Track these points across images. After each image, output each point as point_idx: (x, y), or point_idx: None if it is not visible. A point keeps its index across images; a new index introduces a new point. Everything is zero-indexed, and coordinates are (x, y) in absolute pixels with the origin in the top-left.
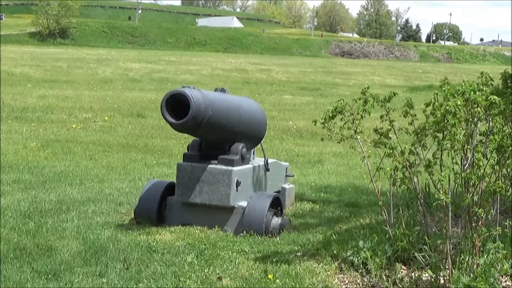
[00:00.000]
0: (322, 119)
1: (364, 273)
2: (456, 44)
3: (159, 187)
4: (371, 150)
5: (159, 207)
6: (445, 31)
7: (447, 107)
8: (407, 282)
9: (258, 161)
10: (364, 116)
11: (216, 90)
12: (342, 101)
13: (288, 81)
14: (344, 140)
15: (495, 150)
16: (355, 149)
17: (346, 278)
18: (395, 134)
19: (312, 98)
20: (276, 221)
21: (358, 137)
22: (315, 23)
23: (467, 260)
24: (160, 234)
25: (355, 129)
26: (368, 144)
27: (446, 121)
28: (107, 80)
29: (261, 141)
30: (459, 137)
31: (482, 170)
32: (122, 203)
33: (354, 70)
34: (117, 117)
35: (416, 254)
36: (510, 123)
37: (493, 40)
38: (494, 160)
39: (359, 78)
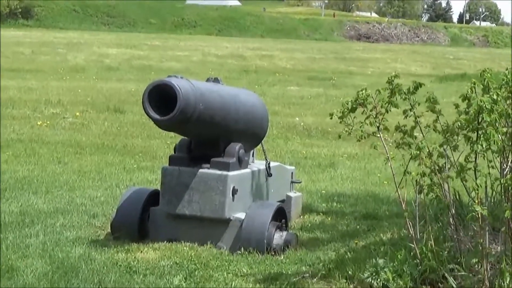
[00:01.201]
0: (340, 113)
1: None
2: (493, 25)
3: (140, 195)
4: (392, 151)
5: (140, 220)
6: (480, 10)
7: (481, 103)
8: None
9: (259, 164)
10: (390, 110)
11: (208, 80)
12: (364, 91)
13: (294, 69)
14: (364, 138)
15: None
16: (377, 149)
17: None
18: (422, 133)
19: (323, 89)
20: (280, 236)
21: (381, 135)
22: (326, 1)
23: (507, 282)
24: (141, 251)
25: (378, 125)
26: (389, 144)
27: (480, 119)
28: (79, 69)
29: (262, 141)
30: (497, 137)
31: None
32: (96, 214)
33: (373, 56)
34: (91, 112)
35: (446, 275)
36: None
37: None
38: None
39: (379, 65)
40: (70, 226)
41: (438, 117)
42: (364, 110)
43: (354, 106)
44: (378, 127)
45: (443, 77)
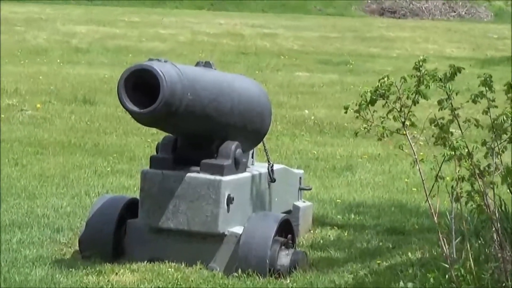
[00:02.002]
0: (357, 105)
1: None
2: None
3: (115, 205)
4: (422, 151)
5: (115, 235)
6: None
7: None
8: None
9: (259, 167)
10: (418, 102)
11: (198, 64)
12: (386, 79)
13: (302, 51)
14: (386, 136)
15: None
16: (403, 149)
17: None
18: (460, 128)
19: (338, 76)
20: (285, 255)
21: (407, 132)
22: None
23: None
24: (117, 274)
25: (403, 120)
26: (419, 143)
27: None
28: (40, 50)
29: (264, 139)
30: None
31: None
32: (61, 228)
33: (399, 35)
34: (55, 103)
35: None
36: None
37: None
38: None
39: (406, 46)
40: (29, 242)
41: (489, 108)
42: (386, 103)
43: (374, 97)
44: (403, 123)
45: (485, 61)
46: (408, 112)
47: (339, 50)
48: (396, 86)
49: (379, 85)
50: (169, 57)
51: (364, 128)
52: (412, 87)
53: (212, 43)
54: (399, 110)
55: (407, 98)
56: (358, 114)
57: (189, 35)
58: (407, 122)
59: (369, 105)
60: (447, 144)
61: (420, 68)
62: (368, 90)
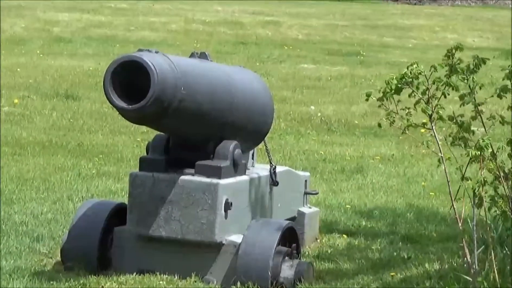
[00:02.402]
0: (381, 92)
1: None
2: None
3: (101, 211)
4: (445, 150)
5: (101, 244)
6: None
7: None
8: None
9: (260, 170)
10: (448, 94)
11: (193, 55)
12: (416, 65)
13: (308, 40)
14: (413, 127)
15: None
16: (428, 147)
17: None
18: (483, 126)
19: (347, 68)
20: (289, 266)
21: (435, 127)
22: None
23: None
24: (103, 287)
25: (430, 113)
26: (439, 142)
27: None
28: (18, 40)
29: (265, 138)
30: None
31: None
32: (41, 237)
33: (415, 23)
34: (34, 99)
35: None
36: None
37: None
38: None
39: (423, 35)
40: (6, 252)
41: None
42: (412, 92)
43: (400, 85)
44: (430, 116)
45: (511, 52)
46: (437, 105)
47: (348, 40)
48: (425, 76)
49: (407, 73)
50: (160, 47)
51: (387, 119)
52: (443, 77)
53: (208, 32)
54: (426, 102)
55: (437, 89)
56: (381, 103)
57: (182, 23)
58: (435, 115)
59: (395, 93)
60: (468, 144)
61: (453, 56)
62: (394, 77)
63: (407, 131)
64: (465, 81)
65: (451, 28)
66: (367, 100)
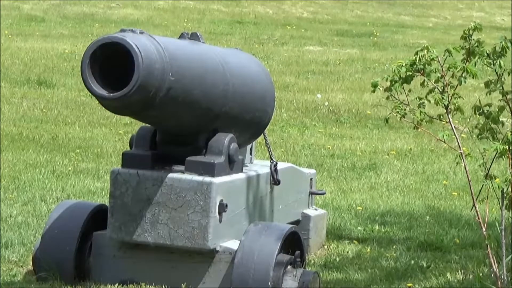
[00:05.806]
0: (388, 80)
1: None
2: None
3: (78, 214)
4: (465, 146)
5: (78, 251)
6: None
7: None
8: None
9: (260, 166)
10: (465, 81)
11: (182, 36)
12: (426, 51)
13: (313, 19)
14: (426, 122)
15: None
16: (445, 141)
17: None
18: None
19: (358, 51)
20: (292, 276)
21: (452, 119)
22: None
23: None
24: None
25: (446, 103)
26: (462, 135)
27: None
28: None
29: (265, 130)
30: None
31: None
32: (11, 243)
33: (436, 0)
34: (2, 86)
35: None
36: None
37: None
38: None
39: (445, 14)
40: None
41: None
42: (424, 81)
43: (410, 73)
44: (446, 107)
45: None
46: (453, 94)
47: (360, 19)
48: (439, 61)
49: (417, 59)
50: (145, 27)
51: (397, 112)
52: (459, 63)
53: (199, 10)
54: (441, 91)
55: (452, 76)
56: (389, 94)
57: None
58: (451, 106)
59: (404, 82)
60: (496, 137)
61: (470, 38)
62: (403, 64)
63: (419, 126)
64: (491, 66)
65: (477, 5)
66: (373, 91)
